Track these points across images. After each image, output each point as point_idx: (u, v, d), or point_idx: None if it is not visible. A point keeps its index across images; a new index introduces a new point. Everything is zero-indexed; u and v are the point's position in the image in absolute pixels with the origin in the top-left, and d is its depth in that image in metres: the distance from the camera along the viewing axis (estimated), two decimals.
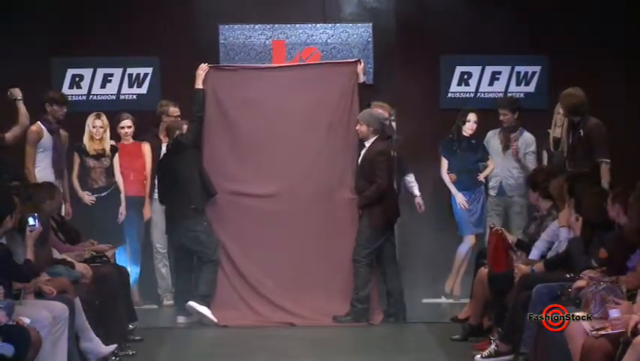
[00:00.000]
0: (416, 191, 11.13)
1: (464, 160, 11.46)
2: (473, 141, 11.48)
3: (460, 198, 11.44)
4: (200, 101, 10.40)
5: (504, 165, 11.46)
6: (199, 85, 10.42)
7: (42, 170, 10.62)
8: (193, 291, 10.38)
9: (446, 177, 11.47)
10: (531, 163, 11.38)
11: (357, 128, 10.34)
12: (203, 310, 10.27)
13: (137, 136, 11.54)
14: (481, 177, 11.49)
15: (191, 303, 10.28)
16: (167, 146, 10.44)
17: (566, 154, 10.51)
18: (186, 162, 10.36)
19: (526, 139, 11.45)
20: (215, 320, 10.26)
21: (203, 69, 10.45)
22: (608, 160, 10.15)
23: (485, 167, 11.52)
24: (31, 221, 7.78)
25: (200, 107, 10.41)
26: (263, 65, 10.92)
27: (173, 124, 10.66)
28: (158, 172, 10.88)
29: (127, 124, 11.45)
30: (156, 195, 11.19)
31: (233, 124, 10.53)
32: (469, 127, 11.40)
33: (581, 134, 10.24)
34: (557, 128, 10.93)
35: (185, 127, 10.49)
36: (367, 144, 10.32)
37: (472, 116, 11.41)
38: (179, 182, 10.34)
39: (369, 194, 10.25)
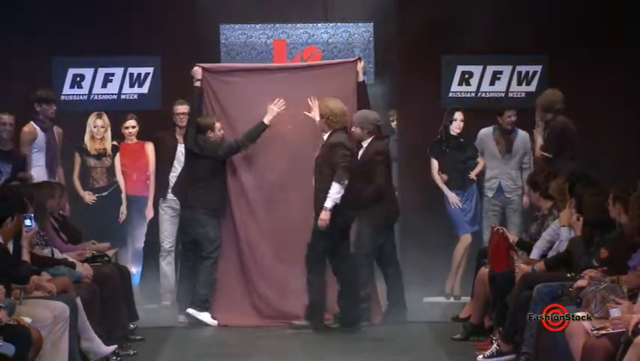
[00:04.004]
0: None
1: (454, 159, 11.48)
2: (462, 140, 11.50)
3: (452, 198, 11.45)
4: (256, 134, 10.27)
5: (504, 168, 11.47)
6: (267, 120, 10.23)
7: (38, 170, 10.65)
8: (192, 294, 10.38)
9: (437, 178, 11.48)
10: (527, 165, 11.42)
11: (352, 130, 10.34)
12: (203, 316, 10.27)
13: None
14: (473, 175, 11.51)
15: (190, 311, 10.29)
16: (198, 142, 10.35)
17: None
18: (214, 165, 10.35)
19: (524, 138, 11.46)
20: (215, 323, 10.28)
21: (278, 105, 10.27)
22: (548, 155, 10.51)
23: (476, 164, 11.54)
24: (27, 222, 7.77)
25: (253, 139, 10.31)
26: (262, 65, 10.89)
27: (204, 121, 10.39)
28: (185, 165, 10.73)
29: (131, 124, 11.44)
30: (169, 195, 11.18)
31: (232, 124, 10.51)
32: (456, 126, 11.42)
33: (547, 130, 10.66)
34: (540, 128, 10.97)
35: (217, 125, 10.36)
36: (364, 144, 10.32)
37: (458, 115, 11.43)
38: (201, 181, 10.32)
39: (367, 194, 10.24)
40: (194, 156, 10.42)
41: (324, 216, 9.79)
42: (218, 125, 10.37)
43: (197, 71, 10.47)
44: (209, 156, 10.33)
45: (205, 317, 10.29)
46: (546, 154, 10.58)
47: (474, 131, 11.65)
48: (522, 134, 11.47)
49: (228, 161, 10.48)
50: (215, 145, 10.33)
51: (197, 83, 10.48)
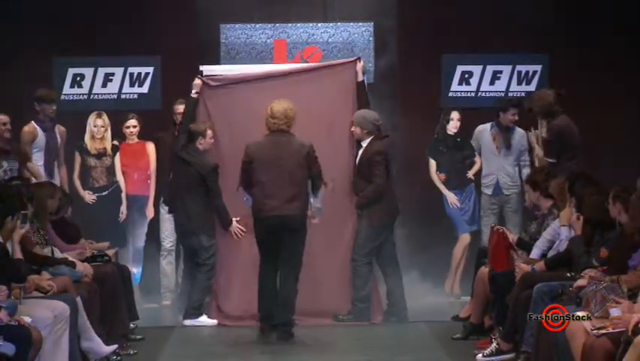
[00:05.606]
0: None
1: (452, 159, 11.50)
2: (459, 139, 11.51)
3: (451, 198, 11.47)
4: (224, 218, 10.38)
5: (500, 164, 11.45)
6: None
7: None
8: (187, 300, 10.38)
9: (435, 178, 11.50)
10: (525, 163, 11.43)
11: (352, 129, 10.34)
12: (200, 321, 10.26)
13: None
14: (470, 174, 11.53)
15: (187, 322, 10.25)
16: (188, 150, 10.26)
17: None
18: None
19: (522, 134, 11.44)
20: (215, 322, 10.28)
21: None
22: (551, 160, 10.40)
23: (473, 163, 11.55)
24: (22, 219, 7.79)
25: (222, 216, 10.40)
26: (262, 72, 10.83)
27: (196, 128, 10.33)
28: (172, 171, 10.69)
29: (132, 124, 11.43)
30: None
31: (232, 127, 10.49)
32: (452, 125, 11.45)
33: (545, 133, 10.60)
34: (544, 129, 10.94)
35: (209, 132, 10.29)
36: (364, 144, 10.31)
37: (454, 115, 11.46)
38: (191, 188, 10.29)
39: (367, 194, 10.24)
40: (183, 163, 10.37)
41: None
42: (209, 132, 10.31)
43: (198, 83, 10.41)
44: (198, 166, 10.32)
45: (202, 320, 10.28)
46: (550, 160, 10.51)
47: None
48: (519, 132, 11.46)
49: (226, 164, 10.40)
50: (209, 164, 10.26)
51: (195, 95, 10.43)
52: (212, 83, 10.51)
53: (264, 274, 9.68)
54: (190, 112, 10.44)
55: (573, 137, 10.60)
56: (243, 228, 10.30)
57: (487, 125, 11.51)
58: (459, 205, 11.48)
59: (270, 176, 9.53)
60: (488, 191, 11.48)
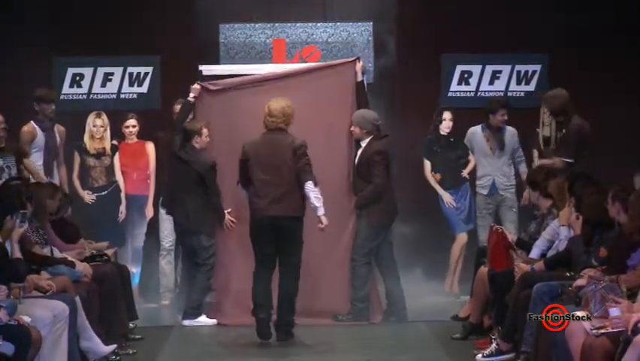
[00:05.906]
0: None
1: (446, 159, 11.51)
2: (452, 139, 11.52)
3: (446, 197, 11.48)
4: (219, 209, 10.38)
5: (495, 165, 11.45)
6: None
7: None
8: (186, 301, 10.38)
9: (430, 178, 11.52)
10: (521, 159, 11.42)
11: (351, 129, 10.34)
12: (199, 321, 10.26)
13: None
14: (465, 173, 11.54)
15: (186, 322, 10.24)
16: (186, 149, 10.25)
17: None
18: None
19: (512, 133, 11.45)
20: (214, 322, 10.28)
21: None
22: (570, 160, 10.27)
23: (467, 162, 11.56)
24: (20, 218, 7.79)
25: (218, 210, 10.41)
26: (262, 76, 10.81)
27: (192, 126, 10.32)
28: (170, 171, 10.66)
29: (132, 123, 11.43)
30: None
31: (232, 128, 10.46)
32: (445, 125, 11.46)
33: (563, 133, 10.43)
34: (546, 127, 10.88)
35: (204, 131, 10.28)
36: (363, 144, 10.30)
37: (447, 115, 11.47)
38: (190, 188, 10.26)
39: (366, 194, 10.24)
40: (181, 162, 10.34)
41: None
42: (205, 131, 10.28)
43: (197, 88, 10.39)
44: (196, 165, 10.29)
45: (201, 320, 10.28)
46: (567, 160, 10.34)
47: None
48: (510, 130, 11.47)
49: (226, 164, 10.38)
50: (207, 162, 10.25)
51: (192, 99, 10.41)
52: (212, 88, 10.50)
53: (258, 273, 9.62)
54: (184, 114, 10.43)
55: (589, 136, 10.54)
56: (233, 219, 10.31)
57: (478, 128, 11.52)
58: (455, 205, 11.50)
59: (263, 174, 9.48)
60: (484, 191, 11.49)
